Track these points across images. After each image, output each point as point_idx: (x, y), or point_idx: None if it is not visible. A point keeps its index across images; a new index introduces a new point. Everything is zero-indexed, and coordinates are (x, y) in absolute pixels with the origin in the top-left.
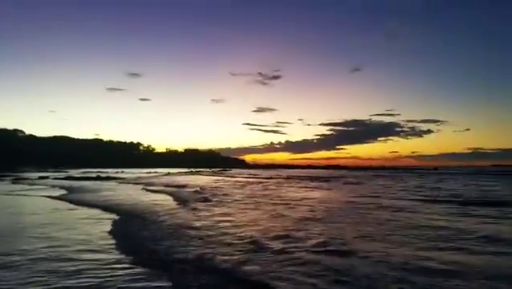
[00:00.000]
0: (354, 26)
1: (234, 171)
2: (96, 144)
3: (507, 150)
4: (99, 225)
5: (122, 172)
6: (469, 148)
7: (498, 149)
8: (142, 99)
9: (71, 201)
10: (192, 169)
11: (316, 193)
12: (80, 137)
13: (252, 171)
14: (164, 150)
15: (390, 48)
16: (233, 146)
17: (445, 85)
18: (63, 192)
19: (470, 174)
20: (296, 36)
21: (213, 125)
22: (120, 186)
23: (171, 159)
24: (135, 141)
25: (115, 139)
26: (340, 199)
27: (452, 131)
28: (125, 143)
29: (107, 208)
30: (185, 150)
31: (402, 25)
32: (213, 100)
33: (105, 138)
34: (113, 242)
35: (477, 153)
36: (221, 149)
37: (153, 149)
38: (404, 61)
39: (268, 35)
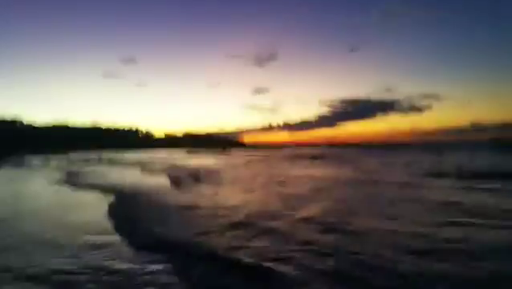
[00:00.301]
0: (352, 5)
1: (234, 152)
2: (95, 130)
3: (507, 124)
4: (97, 207)
5: (123, 155)
6: (468, 123)
7: (500, 123)
8: (138, 85)
9: (73, 184)
10: (195, 152)
11: (320, 171)
12: (78, 124)
13: (251, 152)
14: (163, 135)
15: (388, 26)
16: (232, 128)
17: (444, 61)
18: (64, 175)
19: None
20: (293, 17)
21: (210, 108)
22: (121, 169)
23: (170, 142)
24: (133, 127)
25: (113, 125)
26: (335, 176)
27: (451, 106)
28: (123, 129)
29: (107, 190)
30: (184, 134)
31: (400, 3)
32: (209, 83)
33: (103, 124)
34: (108, 223)
35: (476, 127)
36: (220, 132)
37: (152, 135)
38: (402, 39)
39: (264, 17)
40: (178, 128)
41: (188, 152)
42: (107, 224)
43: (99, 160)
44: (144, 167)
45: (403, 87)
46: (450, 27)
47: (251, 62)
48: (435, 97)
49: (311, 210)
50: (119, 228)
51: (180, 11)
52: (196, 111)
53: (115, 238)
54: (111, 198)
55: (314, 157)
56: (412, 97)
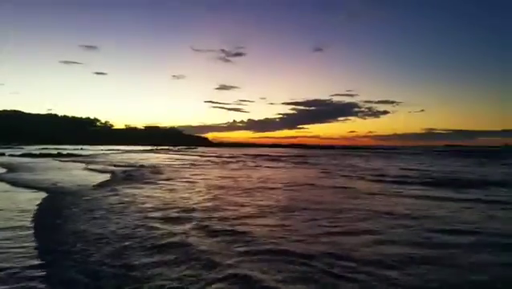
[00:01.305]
0: (317, 5)
1: (200, 149)
2: (50, 119)
3: (458, 131)
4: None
5: (81, 149)
6: (422, 129)
7: (450, 130)
8: (98, 73)
9: (9, 182)
10: (156, 147)
11: (278, 174)
12: (33, 112)
13: (215, 149)
14: (123, 126)
15: (351, 28)
16: (195, 124)
17: (402, 67)
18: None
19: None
20: (260, 14)
21: (174, 102)
22: (71, 165)
23: (130, 136)
24: (92, 117)
25: (70, 114)
26: (285, 178)
27: (407, 112)
28: (81, 118)
29: (40, 188)
30: (145, 127)
31: (363, 5)
32: (174, 76)
33: (60, 113)
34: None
35: (430, 134)
36: (182, 126)
37: (112, 125)
38: (364, 42)
39: (232, 12)
40: (139, 120)
41: (153, 149)
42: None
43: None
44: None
45: (363, 92)
46: (410, 33)
47: (217, 57)
48: (392, 103)
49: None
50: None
51: (146, 0)
52: (159, 103)
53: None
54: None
55: (278, 158)
56: (371, 102)
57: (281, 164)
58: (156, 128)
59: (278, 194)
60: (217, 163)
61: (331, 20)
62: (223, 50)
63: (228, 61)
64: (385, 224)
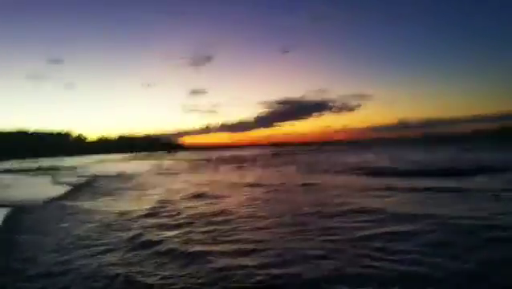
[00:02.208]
0: (281, 9)
1: (180, 155)
2: (21, 135)
3: (430, 120)
4: None
5: (61, 161)
6: (394, 120)
7: (422, 120)
8: (67, 86)
9: None
10: (135, 154)
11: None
12: (3, 130)
13: (192, 154)
14: (97, 138)
15: (317, 29)
16: (170, 130)
17: (371, 61)
18: None
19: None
20: (227, 18)
21: (146, 110)
22: (39, 179)
23: (105, 147)
24: (64, 131)
25: (41, 129)
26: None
27: (379, 104)
28: (53, 134)
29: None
30: (120, 137)
31: (326, 7)
32: (144, 84)
33: (31, 129)
34: None
35: (402, 124)
36: (157, 134)
37: (85, 138)
38: (331, 40)
39: (200, 18)
40: (113, 131)
41: (131, 157)
42: None
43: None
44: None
45: (335, 88)
46: (377, 29)
47: (187, 62)
48: (364, 97)
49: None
50: None
51: (112, 10)
52: (131, 112)
53: None
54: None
55: (243, 160)
56: (344, 97)
57: (247, 164)
58: (131, 137)
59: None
60: (192, 167)
61: (297, 23)
62: (193, 56)
63: (199, 66)
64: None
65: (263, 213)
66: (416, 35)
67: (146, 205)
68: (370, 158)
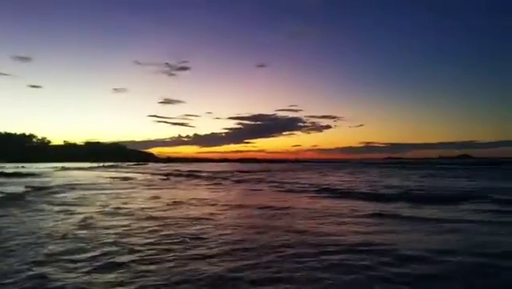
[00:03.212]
0: (260, 22)
1: (151, 165)
2: None
3: (394, 144)
4: None
5: (22, 167)
6: (361, 143)
7: (388, 144)
8: (32, 86)
9: None
10: (103, 164)
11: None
12: None
13: (162, 165)
14: (62, 142)
15: (293, 46)
16: (139, 139)
17: (342, 84)
18: None
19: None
20: (205, 28)
21: (115, 116)
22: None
23: (70, 152)
24: (27, 133)
25: (1, 130)
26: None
27: (347, 126)
28: (15, 134)
29: None
30: (86, 143)
31: (304, 24)
32: (115, 90)
33: None
34: None
35: (369, 147)
36: (125, 142)
37: (49, 142)
38: (305, 59)
39: (176, 25)
40: (79, 136)
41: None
42: None
43: None
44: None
45: (307, 106)
46: (349, 50)
47: (161, 70)
48: (334, 118)
49: None
50: None
51: (85, 10)
52: (99, 118)
53: None
54: None
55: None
56: (315, 116)
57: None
58: (98, 143)
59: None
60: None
61: (273, 38)
62: (167, 64)
63: (172, 75)
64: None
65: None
66: (388, 59)
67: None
68: (337, 179)
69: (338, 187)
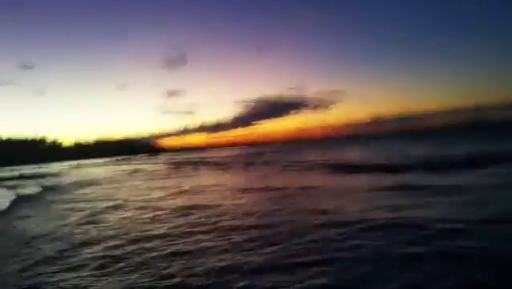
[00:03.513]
0: (257, 7)
1: (162, 157)
2: None
3: (402, 116)
4: None
5: (39, 167)
6: (370, 117)
7: (395, 115)
8: (37, 92)
9: None
10: (116, 158)
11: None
12: None
13: (173, 156)
14: (73, 142)
15: (292, 28)
16: (148, 132)
17: (343, 60)
18: None
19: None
20: (202, 19)
21: (122, 112)
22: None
23: (81, 151)
24: (38, 137)
25: (14, 136)
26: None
27: (355, 101)
28: (26, 140)
29: None
30: (96, 141)
31: (304, 6)
32: (117, 86)
33: (3, 136)
34: None
35: (377, 121)
36: (135, 137)
37: (60, 143)
38: (306, 39)
39: (174, 17)
40: (90, 135)
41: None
42: None
43: None
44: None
45: (311, 86)
46: (349, 27)
47: (162, 63)
48: (339, 94)
49: None
50: None
51: (82, 12)
52: (107, 116)
53: None
54: None
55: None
56: (320, 94)
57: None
58: (107, 141)
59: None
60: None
61: (272, 22)
62: (168, 57)
63: (174, 67)
64: None
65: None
66: (387, 32)
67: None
68: (351, 155)
69: (354, 162)
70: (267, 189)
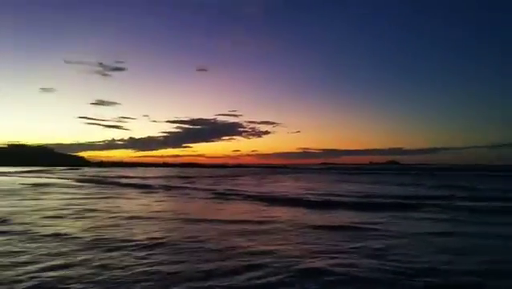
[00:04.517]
0: (202, 27)
1: (87, 170)
2: None
3: (328, 150)
4: None
5: None
6: (298, 148)
7: (321, 149)
8: None
9: None
10: (33, 168)
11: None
12: None
13: (95, 169)
14: None
15: (234, 52)
16: (68, 141)
17: (281, 90)
18: None
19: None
20: (144, 28)
21: (42, 117)
22: None
23: None
24: None
25: None
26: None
27: (285, 132)
28: None
29: None
30: (9, 145)
31: (246, 33)
32: (42, 89)
33: None
34: None
35: (305, 153)
36: (53, 144)
37: None
38: (246, 66)
39: (112, 24)
40: (1, 138)
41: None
42: None
43: None
44: None
45: (247, 112)
46: (287, 57)
47: (95, 70)
48: (273, 124)
49: None
50: None
51: (8, 5)
52: (25, 119)
53: None
54: None
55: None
56: (255, 122)
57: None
58: (23, 145)
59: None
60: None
61: (216, 44)
62: (101, 64)
63: (107, 75)
64: None
65: None
66: (325, 68)
67: None
68: (278, 185)
69: (282, 194)
70: (175, 217)
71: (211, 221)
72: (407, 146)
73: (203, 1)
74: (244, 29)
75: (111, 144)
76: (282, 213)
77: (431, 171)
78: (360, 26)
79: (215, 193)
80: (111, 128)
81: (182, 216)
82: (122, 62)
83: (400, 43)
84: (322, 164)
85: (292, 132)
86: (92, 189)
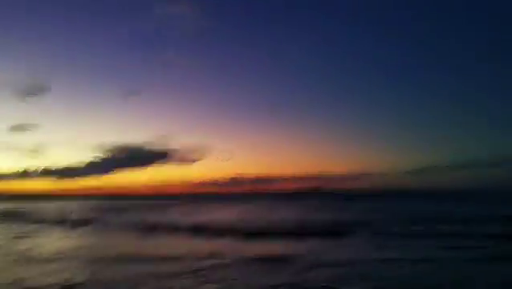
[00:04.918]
0: (132, 49)
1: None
2: None
3: (259, 177)
4: None
5: None
6: (229, 175)
7: (253, 176)
8: None
9: None
10: None
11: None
12: None
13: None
14: None
15: (165, 75)
16: None
17: (213, 115)
18: None
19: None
20: (69, 50)
21: None
22: None
23: None
24: None
25: None
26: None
27: (217, 158)
28: None
29: None
30: None
31: (178, 55)
32: None
33: None
34: None
35: (236, 181)
36: None
37: None
38: (177, 89)
39: (32, 43)
40: None
41: None
42: None
43: None
44: None
45: (177, 138)
46: (217, 80)
47: (10, 91)
48: (204, 149)
49: None
50: None
51: None
52: None
53: None
54: None
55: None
56: (185, 147)
57: None
58: None
59: None
60: None
61: (146, 66)
62: (19, 85)
63: (25, 98)
64: None
65: None
66: (253, 91)
67: None
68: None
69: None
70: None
71: (137, 260)
72: (332, 171)
73: (135, 24)
74: (173, 50)
75: (26, 174)
76: (210, 245)
77: (353, 196)
78: (288, 45)
79: (142, 226)
80: (27, 156)
81: (101, 255)
82: (44, 84)
83: (334, 64)
84: (252, 191)
85: (223, 159)
86: None
